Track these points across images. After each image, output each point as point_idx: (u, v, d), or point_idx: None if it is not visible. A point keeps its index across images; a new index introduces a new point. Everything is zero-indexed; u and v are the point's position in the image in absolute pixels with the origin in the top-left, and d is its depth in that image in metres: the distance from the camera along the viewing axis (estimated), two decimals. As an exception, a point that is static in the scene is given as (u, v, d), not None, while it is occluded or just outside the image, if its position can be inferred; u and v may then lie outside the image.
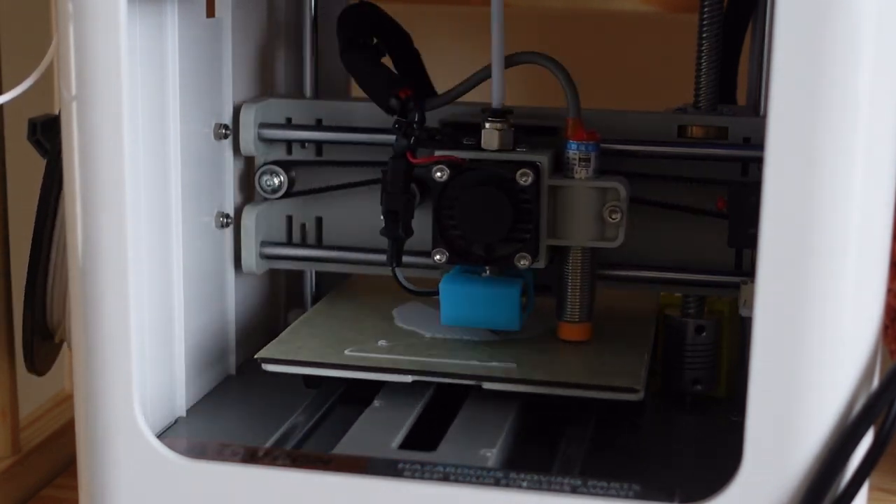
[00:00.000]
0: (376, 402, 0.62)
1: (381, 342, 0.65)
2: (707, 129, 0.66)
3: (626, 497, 0.52)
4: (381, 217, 0.65)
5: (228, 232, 0.69)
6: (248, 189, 0.71)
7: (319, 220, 0.72)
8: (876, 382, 0.51)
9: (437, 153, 0.64)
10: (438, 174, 0.63)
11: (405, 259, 0.66)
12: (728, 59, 0.71)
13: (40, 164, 0.68)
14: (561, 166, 0.64)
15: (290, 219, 0.72)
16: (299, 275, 0.76)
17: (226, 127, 0.68)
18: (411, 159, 0.64)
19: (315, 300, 0.76)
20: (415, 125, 0.64)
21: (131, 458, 0.55)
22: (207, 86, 0.66)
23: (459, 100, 0.67)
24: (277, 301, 0.76)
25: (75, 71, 0.53)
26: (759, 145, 0.52)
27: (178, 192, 0.62)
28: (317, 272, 0.76)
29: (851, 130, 0.47)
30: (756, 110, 0.70)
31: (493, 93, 0.63)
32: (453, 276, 0.66)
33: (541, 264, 0.64)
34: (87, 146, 0.53)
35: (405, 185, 0.64)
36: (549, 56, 0.64)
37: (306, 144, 0.71)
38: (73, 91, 0.53)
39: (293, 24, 0.74)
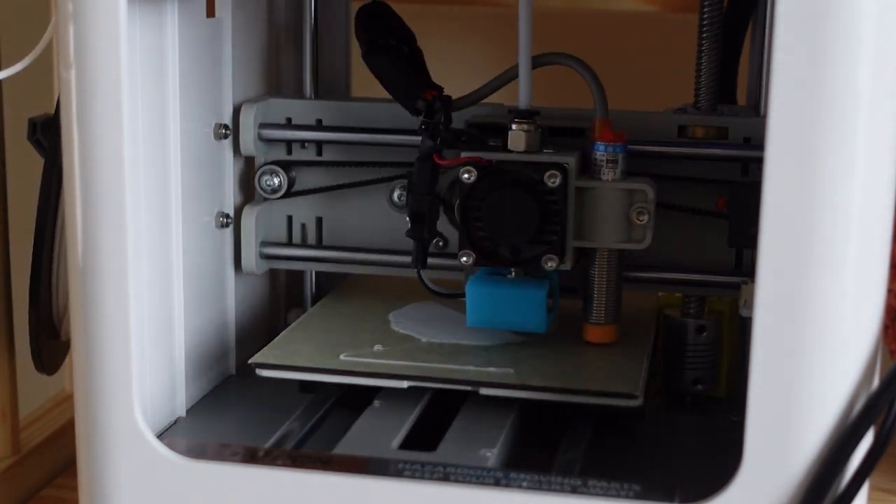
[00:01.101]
0: (376, 403, 0.62)
1: (377, 347, 0.65)
2: (707, 129, 0.66)
3: (626, 497, 0.52)
4: (408, 219, 0.65)
5: (228, 232, 0.69)
6: (248, 189, 0.71)
7: (319, 220, 0.72)
8: (876, 382, 0.51)
9: (464, 154, 0.63)
10: (466, 175, 0.62)
11: (429, 261, 0.66)
12: (728, 59, 0.71)
13: (40, 163, 0.68)
14: (587, 167, 0.64)
15: (290, 219, 0.72)
16: (299, 275, 0.76)
17: (226, 127, 0.68)
18: (438, 161, 0.64)
19: (315, 300, 0.76)
20: (441, 126, 0.64)
21: (131, 458, 0.55)
22: (207, 86, 0.66)
23: (484, 101, 0.67)
24: (277, 301, 0.76)
25: (75, 71, 0.53)
26: (759, 145, 0.52)
27: (178, 192, 0.62)
28: (317, 272, 0.76)
29: (851, 130, 0.47)
30: (756, 110, 0.70)
31: (521, 93, 0.63)
32: (479, 277, 0.65)
33: (567, 266, 0.63)
34: (86, 146, 0.53)
35: (431, 187, 0.64)
36: (576, 57, 0.64)
37: (306, 144, 0.71)
38: (73, 91, 0.53)
39: (293, 24, 0.74)
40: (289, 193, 0.71)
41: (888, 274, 0.51)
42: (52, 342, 0.70)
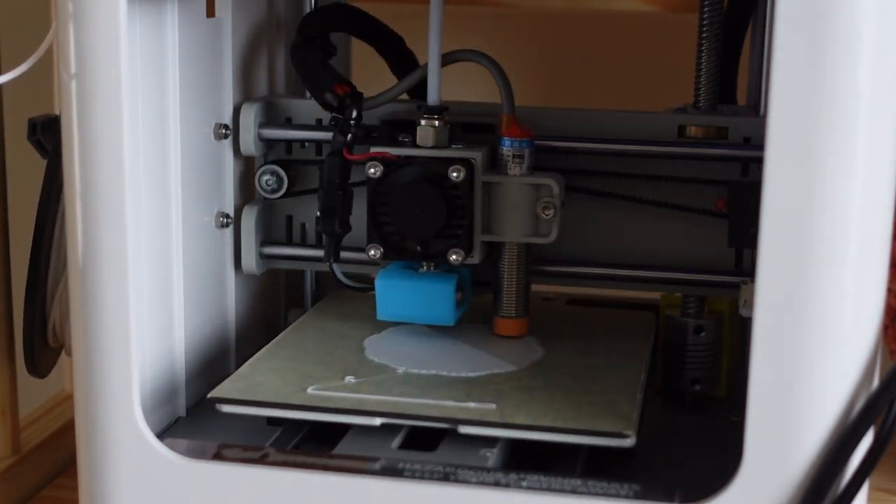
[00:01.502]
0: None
1: (349, 378, 0.61)
2: (707, 129, 0.66)
3: (626, 497, 0.52)
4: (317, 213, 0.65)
5: (228, 232, 0.69)
6: (248, 189, 0.71)
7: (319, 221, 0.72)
8: (876, 382, 0.51)
9: (373, 150, 0.64)
10: (372, 170, 0.63)
11: (345, 255, 0.67)
12: (728, 59, 0.71)
13: (40, 163, 0.68)
14: (496, 163, 0.65)
15: (290, 219, 0.72)
16: (299, 275, 0.76)
17: (226, 127, 0.68)
18: (347, 156, 0.64)
19: (315, 300, 0.76)
20: (351, 122, 0.64)
21: (131, 458, 0.55)
22: (207, 86, 0.66)
23: (405, 99, 0.67)
24: (277, 301, 0.76)
25: (75, 71, 0.53)
26: (759, 145, 0.52)
27: (178, 192, 0.62)
28: (317, 272, 0.76)
29: (851, 130, 0.47)
30: (756, 110, 0.70)
31: (429, 90, 0.64)
32: (389, 271, 0.66)
33: (475, 260, 0.64)
34: (87, 146, 0.53)
35: (342, 182, 0.65)
36: (483, 53, 0.65)
37: (306, 144, 0.71)
38: (73, 91, 0.53)
39: (293, 24, 0.74)
40: (289, 193, 0.70)
41: (888, 274, 0.51)
42: (46, 345, 0.70)
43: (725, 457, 0.52)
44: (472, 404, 0.58)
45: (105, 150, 0.53)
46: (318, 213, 0.65)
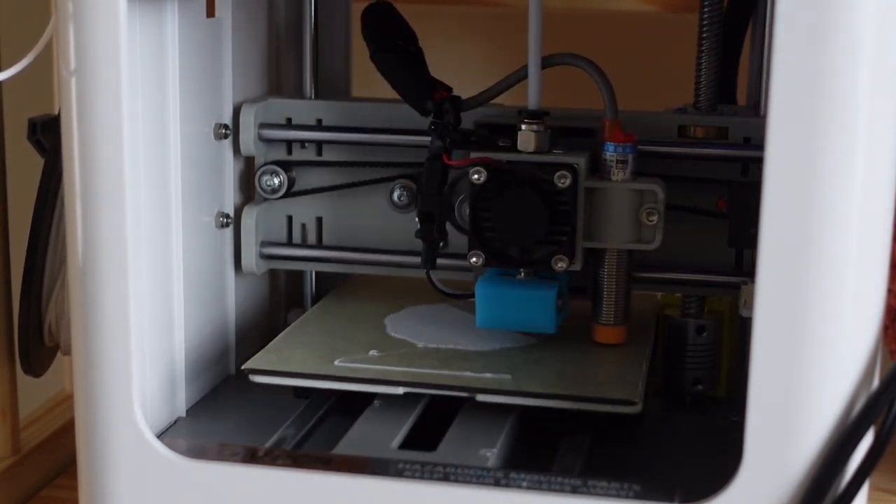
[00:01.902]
0: (376, 403, 0.62)
1: (373, 352, 0.64)
2: (707, 129, 0.66)
3: (626, 497, 0.52)
4: (416, 219, 0.65)
5: (228, 232, 0.69)
6: (248, 189, 0.71)
7: (319, 220, 0.72)
8: (876, 382, 0.51)
9: (473, 155, 0.63)
10: (476, 176, 0.62)
11: (438, 262, 0.66)
12: (728, 59, 0.71)
13: (40, 163, 0.68)
14: (597, 168, 0.64)
15: (290, 219, 0.72)
16: (299, 275, 0.76)
17: (226, 127, 0.68)
18: (447, 161, 0.64)
19: (315, 300, 0.76)
20: (450, 127, 0.64)
21: (131, 458, 0.55)
22: (207, 86, 0.66)
23: (492, 101, 0.66)
24: (277, 301, 0.76)
25: (75, 71, 0.53)
26: (759, 145, 0.52)
27: (178, 192, 0.62)
28: (317, 272, 0.76)
29: (851, 131, 0.47)
30: (756, 110, 0.70)
31: (530, 94, 0.63)
32: (488, 277, 0.65)
33: (577, 267, 0.63)
34: (87, 146, 0.53)
35: (440, 187, 0.64)
36: (586, 57, 0.64)
37: (306, 144, 0.71)
38: (73, 91, 0.53)
39: (293, 24, 0.74)
40: (289, 193, 0.70)
41: (888, 274, 0.52)
42: (41, 345, 0.70)
43: (725, 457, 0.52)
44: (488, 375, 0.61)
45: (105, 149, 0.53)
46: (417, 219, 0.65)
